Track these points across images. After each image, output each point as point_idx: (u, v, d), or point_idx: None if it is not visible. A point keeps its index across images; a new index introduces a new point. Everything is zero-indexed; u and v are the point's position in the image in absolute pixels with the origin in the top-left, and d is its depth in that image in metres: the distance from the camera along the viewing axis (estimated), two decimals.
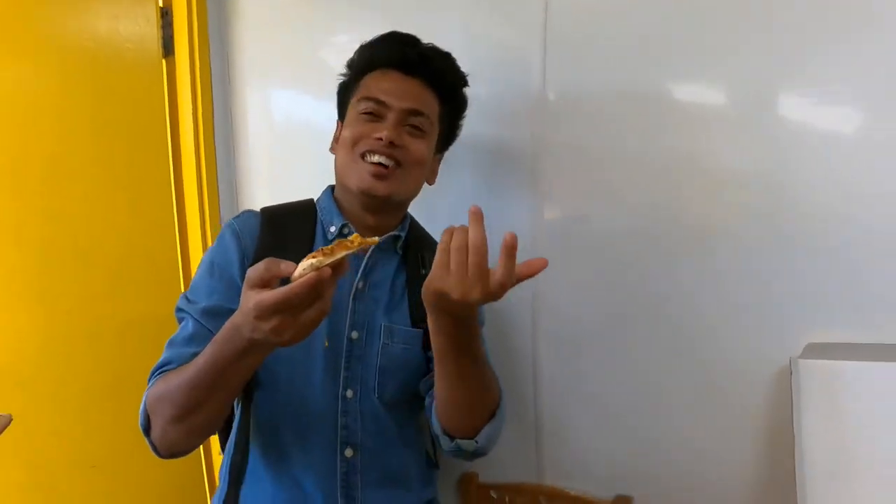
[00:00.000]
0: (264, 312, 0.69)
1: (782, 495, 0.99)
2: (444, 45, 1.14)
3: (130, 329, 1.38)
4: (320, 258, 0.69)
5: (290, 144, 1.47)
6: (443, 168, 1.21)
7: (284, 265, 0.71)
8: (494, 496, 1.27)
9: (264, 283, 0.71)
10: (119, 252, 1.39)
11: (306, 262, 0.69)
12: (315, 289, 0.68)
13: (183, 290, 1.39)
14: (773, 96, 1.06)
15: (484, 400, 0.94)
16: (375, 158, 0.97)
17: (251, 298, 0.70)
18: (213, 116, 1.47)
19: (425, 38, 1.08)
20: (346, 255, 0.71)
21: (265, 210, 1.05)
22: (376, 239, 0.75)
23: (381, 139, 0.97)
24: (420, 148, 1.02)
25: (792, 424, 0.94)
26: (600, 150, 1.18)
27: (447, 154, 1.18)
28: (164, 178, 1.46)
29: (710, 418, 1.13)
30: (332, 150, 1.10)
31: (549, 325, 1.24)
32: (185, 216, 1.48)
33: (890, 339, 0.98)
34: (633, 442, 1.19)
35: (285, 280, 0.71)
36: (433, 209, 1.21)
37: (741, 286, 1.09)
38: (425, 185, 1.09)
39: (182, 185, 1.48)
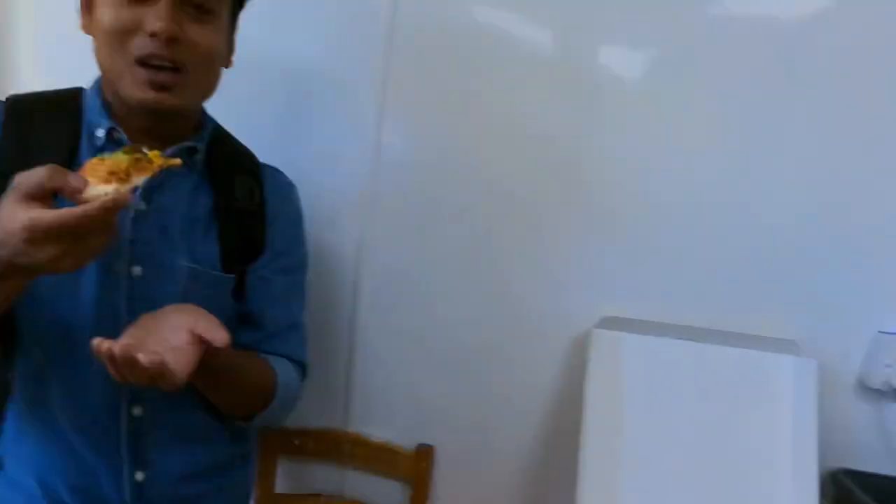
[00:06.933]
0: (39, 236, 0.57)
1: (569, 453, 1.06)
2: None
3: None
4: (117, 185, 0.60)
5: None
6: (281, 92, 1.12)
7: (73, 179, 0.59)
8: (296, 443, 1.24)
9: (40, 196, 0.59)
10: None
11: (104, 186, 0.59)
12: (110, 215, 0.58)
13: None
14: (588, 70, 1.07)
15: (247, 398, 0.89)
16: (156, 62, 0.75)
17: (22, 214, 0.57)
18: None
19: None
20: (147, 180, 0.63)
21: (11, 99, 0.81)
22: (179, 161, 0.67)
23: (154, 35, 0.73)
24: (209, 38, 0.79)
25: (583, 388, 1.00)
26: (441, 101, 1.14)
27: (282, 77, 1.09)
28: None
29: (512, 376, 1.17)
30: (85, 28, 0.81)
31: (370, 276, 1.21)
32: None
33: (679, 319, 1.07)
34: (437, 395, 1.22)
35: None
36: (263, 129, 1.12)
37: (554, 258, 1.12)
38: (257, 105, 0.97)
39: None
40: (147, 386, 0.68)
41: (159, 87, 0.76)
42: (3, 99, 0.82)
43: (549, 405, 1.17)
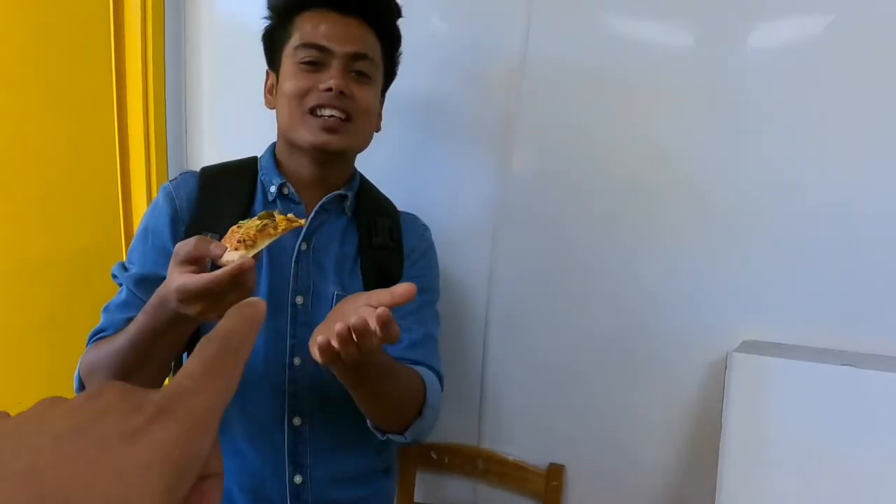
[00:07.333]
0: (185, 298, 0.70)
1: (704, 476, 1.04)
2: (425, 7, 1.15)
3: (56, 262, 1.32)
4: (243, 252, 0.70)
5: (248, 71, 1.33)
6: (411, 125, 1.22)
7: (214, 247, 0.72)
8: (434, 456, 1.31)
9: (192, 261, 0.72)
10: (48, 176, 1.30)
11: (235, 252, 0.70)
12: (237, 279, 0.69)
13: (121, 221, 1.41)
14: (741, 94, 1.05)
15: (404, 405, 0.93)
16: (327, 112, 0.92)
17: (175, 279, 0.71)
18: (163, 30, 1.40)
19: None
20: (272, 241, 0.72)
21: (204, 170, 1.01)
22: (302, 221, 0.76)
23: (329, 90, 0.91)
24: (369, 96, 0.97)
25: (721, 412, 0.99)
26: (571, 130, 1.17)
27: (416, 116, 1.18)
28: (106, 95, 1.37)
29: (645, 400, 1.17)
30: (269, 104, 1.02)
31: (501, 301, 1.26)
32: (127, 145, 1.39)
33: (820, 343, 1.03)
34: (569, 416, 1.24)
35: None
36: (396, 167, 1.24)
37: (690, 281, 1.11)
38: (390, 146, 1.08)
39: (125, 103, 1.37)
40: (370, 352, 0.75)
41: (329, 131, 0.93)
42: (198, 170, 1.01)
43: (684, 429, 1.15)
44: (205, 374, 0.25)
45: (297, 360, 0.95)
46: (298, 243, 0.97)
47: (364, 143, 1.01)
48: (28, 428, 0.22)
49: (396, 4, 1.02)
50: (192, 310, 0.72)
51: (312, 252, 0.98)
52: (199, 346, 0.27)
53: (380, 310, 0.72)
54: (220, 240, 0.74)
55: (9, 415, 0.24)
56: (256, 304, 0.30)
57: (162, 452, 0.22)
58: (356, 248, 1.02)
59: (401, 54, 1.07)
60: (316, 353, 0.77)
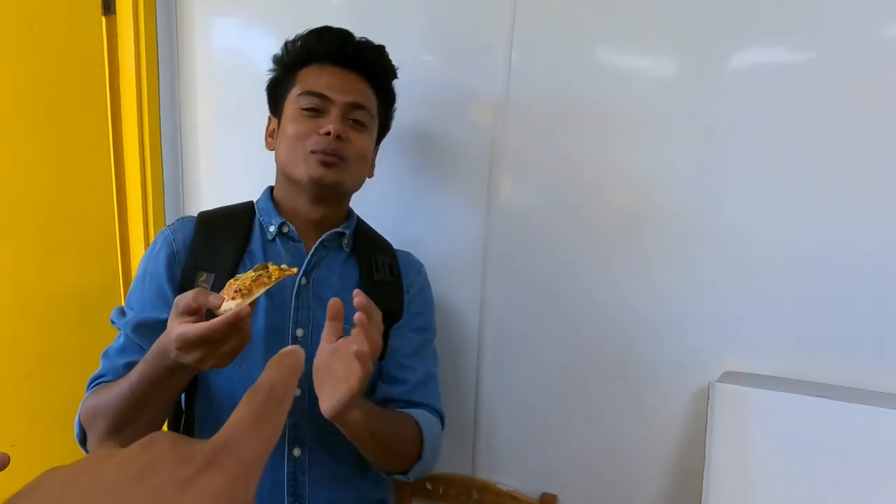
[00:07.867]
0: (185, 346, 0.74)
1: None
2: (409, 41, 1.20)
3: (56, 303, 1.34)
4: (239, 301, 0.73)
5: (243, 117, 1.41)
6: (398, 162, 1.26)
7: (212, 298, 0.75)
8: (429, 487, 1.33)
9: (191, 312, 0.75)
10: (48, 220, 1.33)
11: (232, 301, 0.73)
12: (234, 326, 0.73)
13: (119, 263, 1.44)
14: (724, 126, 1.07)
15: (403, 451, 0.98)
16: (321, 149, 0.98)
17: (175, 329, 0.74)
18: (157, 78, 1.44)
19: (390, 35, 1.10)
20: (267, 289, 0.76)
21: (202, 214, 1.06)
22: (294, 269, 0.80)
23: (328, 133, 0.98)
24: (364, 141, 1.04)
25: (704, 441, 1.01)
26: (555, 162, 1.19)
27: (405, 149, 1.23)
28: (103, 141, 1.40)
29: (633, 430, 1.20)
30: (269, 146, 1.09)
31: (493, 331, 1.29)
32: (124, 189, 1.42)
33: (801, 375, 1.05)
34: (560, 446, 1.26)
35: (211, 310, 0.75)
36: (386, 205, 1.29)
37: (673, 313, 1.14)
38: (380, 184, 1.13)
39: (122, 148, 1.40)
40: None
41: (325, 165, 0.99)
42: (195, 215, 1.06)
43: (672, 458, 1.17)
44: (251, 425, 0.27)
45: (297, 391, 0.98)
46: (298, 278, 1.01)
47: (357, 184, 1.07)
48: (85, 477, 0.24)
49: (392, 65, 1.11)
50: (190, 358, 0.75)
51: (312, 286, 1.03)
52: (245, 396, 0.28)
53: (358, 315, 0.81)
54: (215, 279, 0.78)
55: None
56: (296, 353, 0.31)
57: (212, 500, 0.24)
58: (356, 282, 1.06)
59: (395, 110, 1.14)
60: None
